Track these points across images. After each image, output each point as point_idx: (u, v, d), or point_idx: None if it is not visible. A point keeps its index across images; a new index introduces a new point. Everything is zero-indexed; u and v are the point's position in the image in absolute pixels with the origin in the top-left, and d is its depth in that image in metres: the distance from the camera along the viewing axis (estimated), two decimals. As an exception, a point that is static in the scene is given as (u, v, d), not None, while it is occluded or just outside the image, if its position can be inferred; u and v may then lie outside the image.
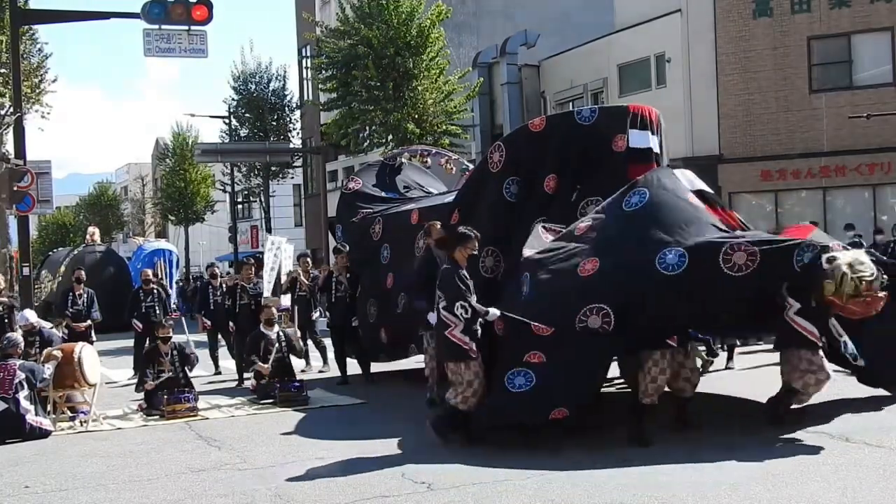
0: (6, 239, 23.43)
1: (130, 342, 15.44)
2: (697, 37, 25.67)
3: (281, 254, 23.20)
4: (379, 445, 8.34)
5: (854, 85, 24.40)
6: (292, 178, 40.76)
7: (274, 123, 37.04)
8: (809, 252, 7.84)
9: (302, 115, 38.40)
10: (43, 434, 9.66)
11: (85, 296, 14.81)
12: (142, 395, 11.46)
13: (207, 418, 10.45)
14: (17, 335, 10.75)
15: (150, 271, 17.25)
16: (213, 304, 14.88)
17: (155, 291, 15.42)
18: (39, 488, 7.45)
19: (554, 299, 8.16)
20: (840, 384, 10.51)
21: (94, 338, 14.53)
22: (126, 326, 15.50)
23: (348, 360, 13.02)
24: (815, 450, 7.37)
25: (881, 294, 7.89)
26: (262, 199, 38.11)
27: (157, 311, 14.85)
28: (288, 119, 38.10)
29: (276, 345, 11.98)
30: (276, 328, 12.33)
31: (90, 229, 32.17)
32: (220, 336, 15.01)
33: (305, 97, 38.71)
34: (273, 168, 36.78)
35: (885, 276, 8.20)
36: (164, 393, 10.80)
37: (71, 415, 10.62)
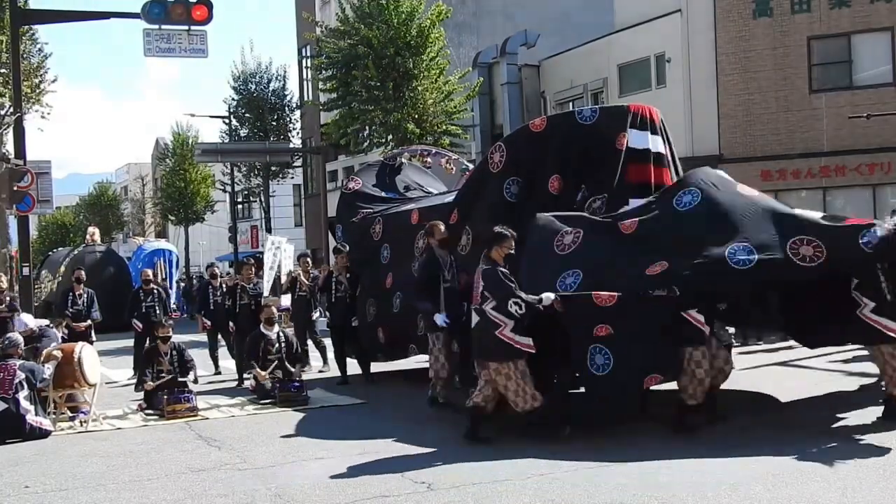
0: (6, 239, 23.42)
1: (130, 342, 15.44)
2: (697, 37, 25.67)
3: (281, 254, 23.30)
4: (379, 445, 8.34)
5: (854, 85, 24.41)
6: (292, 178, 40.77)
7: (274, 123, 37.05)
8: (872, 232, 7.82)
9: (302, 115, 38.40)
10: (43, 434, 9.65)
11: (85, 296, 14.81)
12: (142, 395, 11.46)
13: (207, 418, 10.44)
14: (18, 335, 10.75)
15: (150, 271, 17.25)
16: (213, 304, 14.89)
17: (155, 291, 15.42)
18: (39, 488, 7.44)
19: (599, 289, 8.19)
20: (840, 383, 10.54)
21: (94, 338, 14.53)
22: (126, 326, 15.50)
23: (348, 360, 13.02)
24: (815, 450, 7.36)
25: None
26: (262, 199, 38.11)
27: (157, 311, 14.85)
28: (288, 119, 38.11)
29: (276, 345, 11.97)
30: (276, 328, 12.32)
31: (90, 229, 32.19)
32: (220, 336, 15.01)
33: (305, 97, 38.72)
34: (273, 168, 36.79)
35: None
36: (164, 393, 10.80)
37: (71, 415, 10.61)
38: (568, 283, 8.40)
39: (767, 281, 8.06)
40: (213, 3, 16.78)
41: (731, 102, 25.33)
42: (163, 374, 11.38)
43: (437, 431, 8.80)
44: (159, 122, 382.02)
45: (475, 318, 8.24)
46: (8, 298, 14.43)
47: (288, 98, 37.92)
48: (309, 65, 35.23)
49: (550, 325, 8.23)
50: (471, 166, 14.27)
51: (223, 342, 14.97)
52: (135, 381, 12.90)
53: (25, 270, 18.19)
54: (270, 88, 37.37)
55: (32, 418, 9.63)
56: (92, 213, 61.96)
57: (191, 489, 7.14)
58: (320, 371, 14.30)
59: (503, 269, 8.07)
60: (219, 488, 7.12)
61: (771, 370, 11.45)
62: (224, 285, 15.20)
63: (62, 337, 12.99)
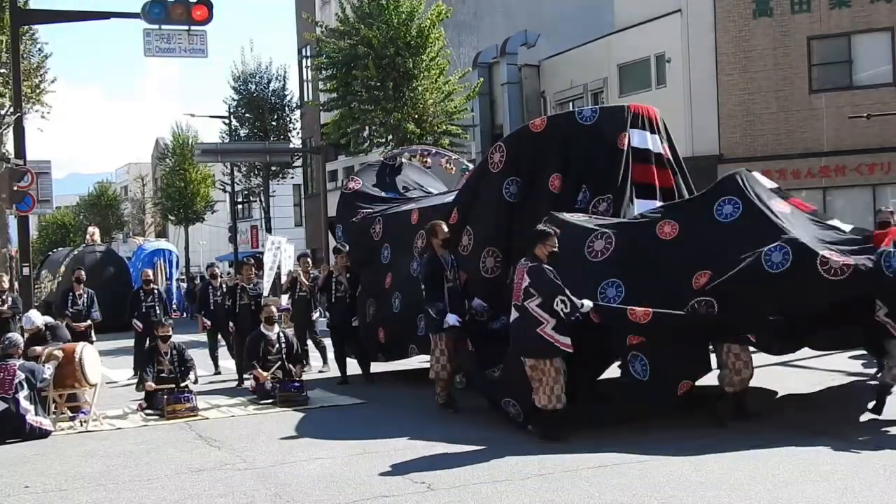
0: (6, 239, 23.41)
1: (130, 342, 15.44)
2: (697, 37, 25.67)
3: (281, 254, 23.33)
4: (379, 445, 8.34)
5: (854, 85, 24.40)
6: (292, 178, 40.75)
7: (274, 123, 37.03)
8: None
9: (302, 115, 38.40)
10: (43, 434, 9.65)
11: (85, 296, 14.81)
12: (142, 394, 11.46)
13: (207, 418, 10.44)
14: (18, 335, 10.75)
15: (150, 271, 17.24)
16: (213, 304, 14.90)
17: (155, 291, 15.42)
18: (39, 488, 7.44)
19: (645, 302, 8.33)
20: (841, 384, 10.54)
21: (94, 338, 14.53)
22: (126, 326, 15.50)
23: (348, 360, 13.01)
24: (815, 450, 7.37)
25: None
26: (262, 199, 38.11)
27: (157, 311, 14.85)
28: (288, 119, 38.10)
29: (277, 345, 11.97)
30: (277, 328, 12.32)
31: (90, 229, 32.18)
32: (220, 336, 15.01)
33: (305, 97, 38.71)
34: (273, 168, 36.78)
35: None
36: (164, 393, 10.80)
37: (71, 415, 10.61)
38: (610, 296, 8.50)
39: (793, 290, 8.09)
40: (213, 3, 16.79)
41: (731, 102, 25.33)
42: (163, 374, 11.38)
43: (437, 431, 8.80)
44: (159, 122, 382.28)
45: (514, 315, 8.27)
46: (10, 299, 14.45)
47: (288, 98, 37.91)
48: (309, 65, 35.24)
49: (582, 327, 8.30)
50: (471, 166, 14.28)
51: (223, 342, 14.98)
52: (135, 381, 12.92)
53: (25, 270, 18.18)
54: (270, 88, 37.35)
55: (32, 418, 9.63)
56: (92, 213, 61.97)
57: (191, 489, 7.14)
58: (320, 371, 14.30)
59: (549, 268, 8.10)
60: (219, 488, 7.12)
61: (771, 370, 11.43)
62: (224, 285, 15.22)
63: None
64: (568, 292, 8.02)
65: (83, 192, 69.01)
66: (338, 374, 13.03)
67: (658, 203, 9.79)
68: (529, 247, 8.33)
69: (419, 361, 12.81)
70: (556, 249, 8.21)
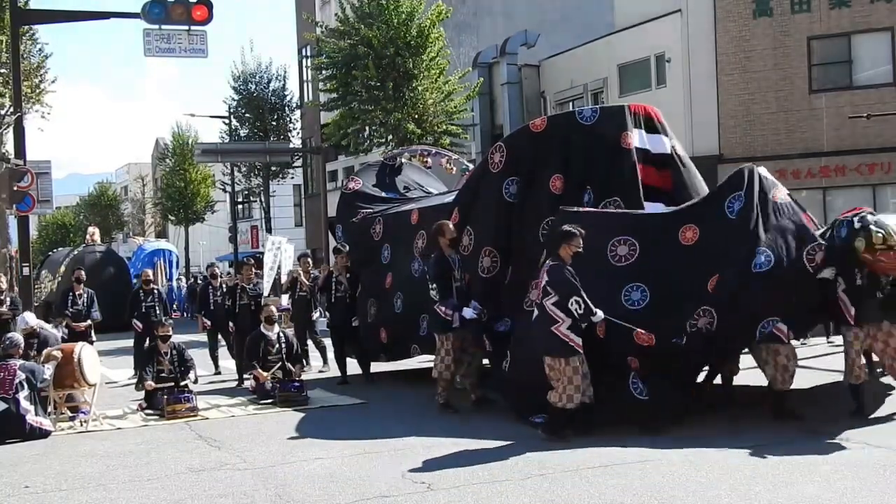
0: (6, 239, 23.41)
1: (130, 342, 15.44)
2: (697, 37, 25.66)
3: (281, 254, 23.31)
4: (379, 445, 8.34)
5: (854, 85, 24.39)
6: (292, 178, 40.76)
7: (274, 123, 37.04)
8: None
9: (302, 115, 38.41)
10: (43, 434, 9.65)
11: (85, 296, 14.80)
12: (142, 394, 11.46)
13: (207, 418, 10.44)
14: (18, 335, 10.74)
15: (149, 271, 17.23)
16: (213, 304, 14.91)
17: (155, 291, 15.41)
18: (39, 488, 7.44)
19: (668, 307, 8.52)
20: (840, 384, 10.52)
21: (94, 338, 14.52)
22: (126, 326, 15.50)
23: (348, 360, 13.01)
24: (815, 450, 7.38)
25: None
26: (262, 199, 38.11)
27: (157, 311, 14.85)
28: (288, 119, 38.11)
29: (277, 345, 11.97)
30: (277, 328, 12.32)
31: (90, 229, 32.18)
32: (220, 336, 15.01)
33: (305, 97, 38.71)
34: (273, 168, 36.79)
35: None
36: (164, 393, 10.80)
37: (71, 415, 10.61)
38: (635, 299, 8.64)
39: (783, 284, 8.26)
40: (213, 3, 16.77)
41: (731, 102, 25.32)
42: (163, 374, 11.37)
43: (437, 431, 8.79)
44: (159, 122, 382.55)
45: (535, 313, 8.38)
46: (9, 299, 14.44)
47: (288, 98, 37.92)
48: (309, 65, 35.23)
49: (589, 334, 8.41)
50: (471, 166, 14.27)
51: (223, 342, 14.98)
52: (135, 380, 12.92)
53: (25, 270, 18.17)
54: (270, 88, 37.37)
55: (32, 418, 9.63)
56: (92, 213, 61.98)
57: (191, 489, 7.14)
58: (320, 371, 14.30)
59: (569, 268, 8.18)
60: (219, 488, 7.11)
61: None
62: (224, 285, 15.21)
63: (62, 337, 12.98)
64: (584, 295, 8.09)
65: (83, 192, 69.04)
66: (338, 374, 13.03)
67: (660, 206, 9.80)
68: (553, 246, 8.40)
69: (419, 361, 12.82)
70: (580, 250, 8.30)
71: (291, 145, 37.09)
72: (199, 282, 30.36)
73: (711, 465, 7.02)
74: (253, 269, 14.58)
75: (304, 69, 39.16)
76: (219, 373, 14.69)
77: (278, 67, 38.57)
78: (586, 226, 8.79)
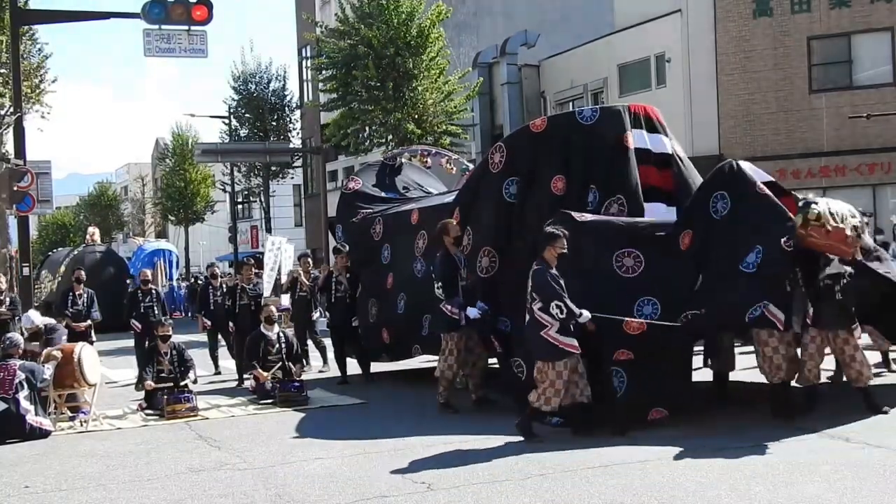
0: (6, 239, 23.40)
1: (130, 342, 15.44)
2: (697, 37, 25.67)
3: (281, 254, 23.29)
4: (379, 445, 8.34)
5: (854, 85, 24.42)
6: (292, 178, 40.77)
7: (274, 123, 37.06)
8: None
9: (302, 115, 38.41)
10: (43, 434, 9.65)
11: (85, 296, 14.77)
12: (142, 394, 11.46)
13: (207, 418, 10.44)
14: (18, 335, 10.74)
15: (148, 271, 17.23)
16: (213, 304, 14.90)
17: (153, 292, 15.39)
18: (39, 488, 7.44)
19: (676, 317, 8.52)
20: (841, 384, 10.51)
21: (94, 338, 14.50)
22: (126, 326, 15.49)
23: (348, 360, 13.01)
24: (815, 450, 7.37)
25: (848, 232, 8.28)
26: (262, 199, 38.12)
27: (156, 311, 14.83)
28: (288, 119, 38.12)
29: (277, 345, 11.96)
30: (277, 328, 12.31)
31: (90, 229, 32.18)
32: (220, 336, 15.01)
33: (305, 97, 38.70)
34: (273, 168, 36.79)
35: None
36: (164, 393, 10.80)
37: (71, 415, 10.61)
38: (647, 313, 8.63)
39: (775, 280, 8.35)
40: (213, 3, 16.79)
41: (731, 102, 25.33)
42: (163, 374, 11.37)
43: (437, 431, 8.79)
44: (159, 122, 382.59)
45: (528, 317, 8.38)
46: (8, 300, 14.43)
47: (288, 98, 37.94)
48: (309, 65, 35.22)
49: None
50: (471, 166, 14.26)
51: (223, 342, 14.97)
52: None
53: (25, 270, 18.18)
54: (270, 88, 37.39)
55: (32, 418, 9.63)
56: (92, 213, 62.01)
57: (191, 489, 7.14)
58: (320, 371, 14.30)
59: (553, 272, 8.15)
60: (219, 488, 7.12)
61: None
62: (224, 285, 15.20)
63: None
64: (566, 299, 8.06)
65: (83, 192, 69.05)
66: (338, 374, 13.03)
67: (661, 206, 9.81)
68: (539, 249, 8.37)
69: (419, 361, 12.82)
70: (565, 251, 8.26)
71: (291, 145, 37.11)
72: (199, 282, 30.41)
73: (711, 465, 7.01)
74: (253, 270, 14.59)
75: (304, 69, 39.17)
76: (219, 373, 14.69)
77: (278, 67, 38.63)
78: (588, 234, 8.83)
